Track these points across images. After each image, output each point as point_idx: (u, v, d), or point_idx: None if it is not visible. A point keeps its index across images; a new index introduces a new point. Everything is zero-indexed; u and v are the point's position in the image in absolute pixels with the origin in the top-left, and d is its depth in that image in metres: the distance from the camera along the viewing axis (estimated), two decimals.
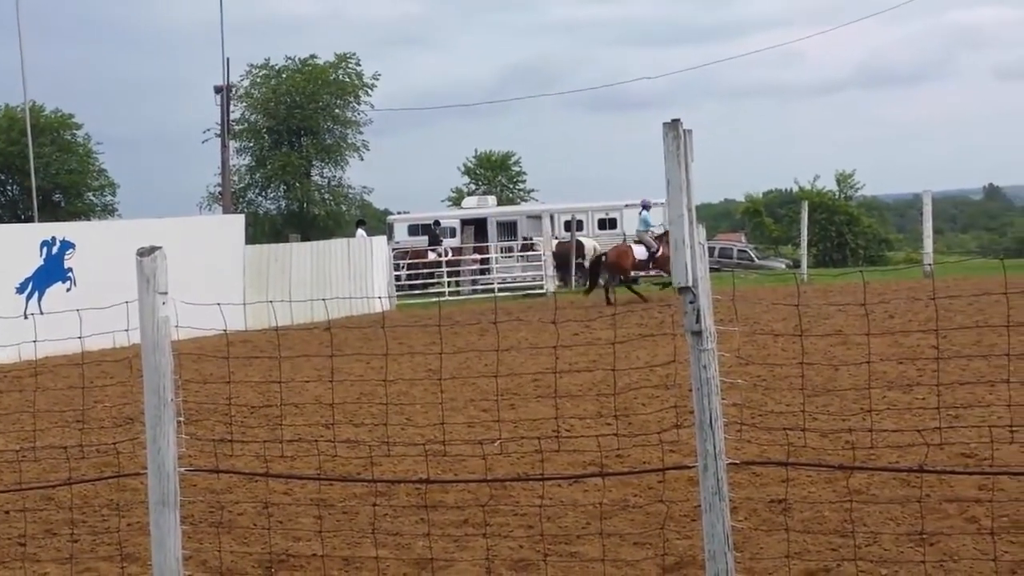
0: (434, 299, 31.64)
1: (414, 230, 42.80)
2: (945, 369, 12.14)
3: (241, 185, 60.18)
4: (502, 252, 38.72)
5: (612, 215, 40.80)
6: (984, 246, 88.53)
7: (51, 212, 57.66)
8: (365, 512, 7.74)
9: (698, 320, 4.63)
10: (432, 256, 36.31)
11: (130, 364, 8.60)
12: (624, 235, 37.84)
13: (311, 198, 61.29)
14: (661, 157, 4.59)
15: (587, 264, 35.38)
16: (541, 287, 33.29)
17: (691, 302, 4.62)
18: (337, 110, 61.27)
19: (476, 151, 75.96)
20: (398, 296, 31.64)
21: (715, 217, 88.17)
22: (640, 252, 26.67)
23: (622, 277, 26.65)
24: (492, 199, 49.68)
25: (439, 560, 6.69)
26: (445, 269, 35.37)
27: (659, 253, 25.87)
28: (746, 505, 7.40)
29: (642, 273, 28.31)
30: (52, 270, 22.07)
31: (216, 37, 40.58)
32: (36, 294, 21.64)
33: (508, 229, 42.03)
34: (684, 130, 4.57)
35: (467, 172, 75.44)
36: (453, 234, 40.99)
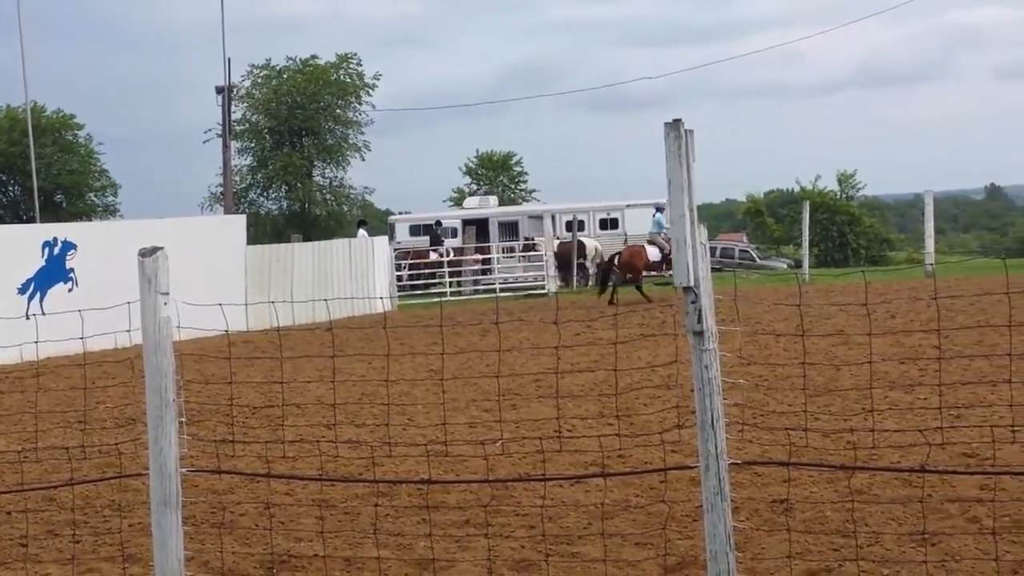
0: (436, 299, 31.62)
1: (416, 230, 42.79)
2: (947, 369, 12.14)
3: (243, 185, 60.19)
4: (503, 252, 38.72)
5: (613, 215, 40.80)
6: (986, 246, 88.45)
7: (52, 213, 57.66)
8: (367, 512, 7.74)
9: (700, 320, 4.63)
10: (434, 256, 36.31)
11: (132, 365, 8.62)
12: (626, 235, 37.87)
13: (312, 198, 61.29)
14: (662, 157, 4.59)
15: (588, 264, 35.44)
16: (543, 287, 33.29)
17: (693, 302, 4.62)
18: (338, 110, 61.26)
19: (477, 151, 76.07)
20: (400, 296, 31.64)
21: (717, 217, 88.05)
22: (654, 253, 26.69)
23: (631, 276, 26.65)
24: (493, 199, 49.67)
25: (441, 560, 6.69)
26: (447, 269, 35.38)
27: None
28: (748, 505, 7.40)
29: (653, 273, 28.29)
30: (54, 271, 22.08)
31: (217, 37, 40.59)
32: (38, 295, 21.65)
33: (510, 229, 42.02)
34: (685, 130, 4.56)
35: (468, 172, 75.47)
36: (455, 234, 41.01)
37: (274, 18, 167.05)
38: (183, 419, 5.56)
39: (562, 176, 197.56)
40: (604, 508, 7.33)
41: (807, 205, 36.28)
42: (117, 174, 70.76)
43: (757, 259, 51.25)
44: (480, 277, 36.80)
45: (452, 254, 36.72)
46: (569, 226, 37.99)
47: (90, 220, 56.05)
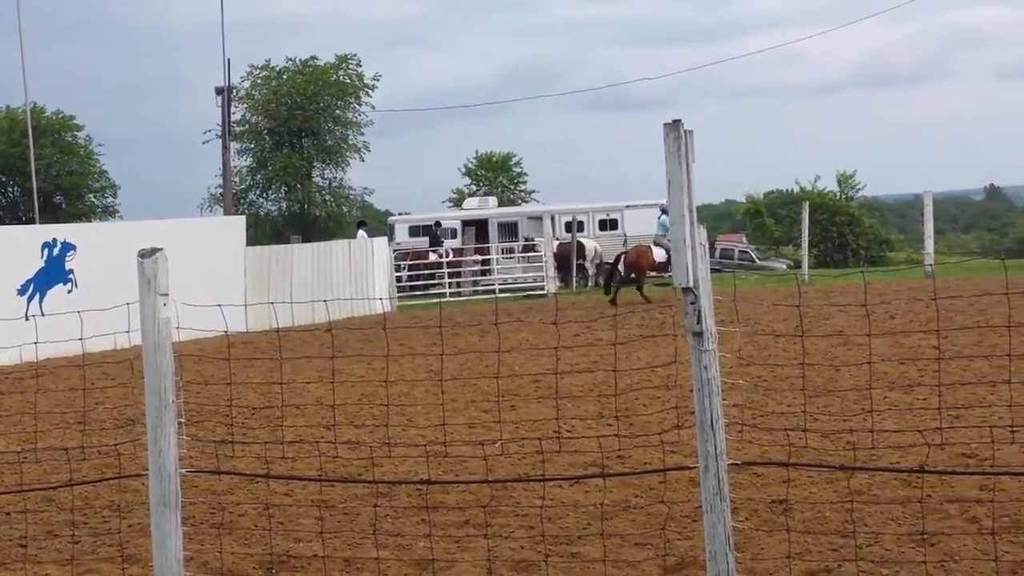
0: (435, 300, 31.65)
1: (415, 231, 42.77)
2: (946, 369, 12.14)
3: (242, 186, 60.16)
4: (503, 253, 38.71)
5: (613, 216, 40.78)
6: (985, 246, 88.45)
7: (52, 214, 57.66)
8: (366, 513, 7.74)
9: (699, 321, 4.63)
10: (433, 257, 36.32)
11: (131, 365, 8.62)
12: (625, 236, 37.84)
13: (312, 199, 61.26)
14: (662, 158, 4.59)
15: (587, 264, 35.44)
16: (542, 288, 33.30)
17: (692, 303, 4.62)
18: (338, 111, 61.24)
19: (477, 152, 76.00)
20: (399, 297, 31.64)
21: (716, 218, 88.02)
22: (659, 254, 26.71)
23: (634, 276, 26.67)
24: (493, 200, 49.64)
25: (440, 561, 6.69)
26: (446, 270, 35.38)
27: None
28: (747, 506, 7.41)
29: (655, 274, 28.29)
30: (53, 272, 22.08)
31: (216, 37, 40.62)
32: (37, 296, 21.64)
33: (509, 230, 42.01)
34: (685, 131, 4.56)
35: (468, 173, 75.43)
36: (454, 235, 41.01)
37: (274, 18, 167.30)
38: (182, 420, 5.56)
39: (562, 177, 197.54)
40: (603, 508, 7.33)
41: (806, 206, 36.30)
42: (117, 175, 70.93)
43: (756, 260, 51.28)
44: (479, 278, 36.80)
45: (451, 255, 36.72)
46: (568, 227, 37.99)
47: (89, 221, 56.05)
